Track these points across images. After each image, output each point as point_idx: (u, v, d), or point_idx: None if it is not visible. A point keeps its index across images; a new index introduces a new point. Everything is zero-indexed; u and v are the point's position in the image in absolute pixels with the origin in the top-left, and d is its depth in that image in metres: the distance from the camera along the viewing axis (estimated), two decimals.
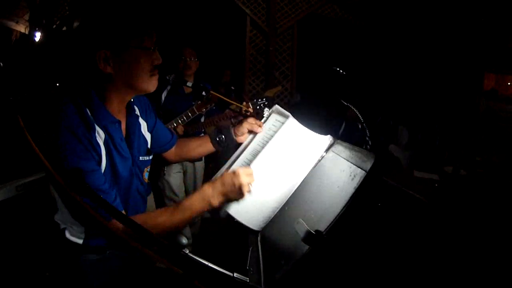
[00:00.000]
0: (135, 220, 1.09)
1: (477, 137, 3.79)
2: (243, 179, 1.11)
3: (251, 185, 1.13)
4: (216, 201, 1.13)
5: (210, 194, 1.13)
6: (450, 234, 2.17)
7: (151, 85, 1.17)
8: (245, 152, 1.32)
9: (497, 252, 1.99)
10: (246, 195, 1.13)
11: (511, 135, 3.90)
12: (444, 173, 2.99)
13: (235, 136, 1.40)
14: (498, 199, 2.43)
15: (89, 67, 1.09)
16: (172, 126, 2.49)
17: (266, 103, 2.24)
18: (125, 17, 1.10)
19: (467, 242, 2.10)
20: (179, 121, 2.51)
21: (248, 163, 1.25)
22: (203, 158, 3.05)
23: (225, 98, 2.17)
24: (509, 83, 5.59)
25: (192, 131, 2.71)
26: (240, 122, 1.43)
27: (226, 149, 1.46)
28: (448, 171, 3.02)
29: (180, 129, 2.53)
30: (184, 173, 3.06)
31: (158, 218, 1.12)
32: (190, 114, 2.51)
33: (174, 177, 2.96)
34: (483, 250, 2.02)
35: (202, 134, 2.92)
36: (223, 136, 1.43)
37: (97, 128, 1.11)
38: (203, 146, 1.51)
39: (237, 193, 1.12)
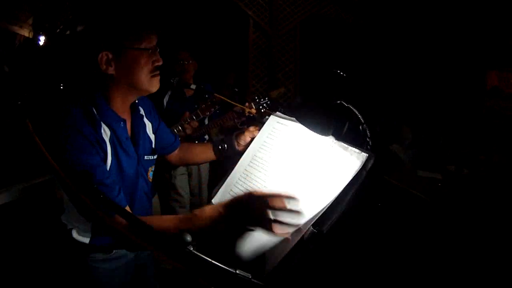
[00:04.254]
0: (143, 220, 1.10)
1: (480, 136, 3.78)
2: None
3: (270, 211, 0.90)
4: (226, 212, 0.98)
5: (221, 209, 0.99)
6: (452, 233, 2.18)
7: (153, 85, 1.19)
8: (242, 159, 1.29)
9: (498, 251, 2.00)
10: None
11: None
12: (447, 172, 3.00)
13: (238, 145, 1.41)
14: (500, 198, 2.43)
15: (92, 68, 1.11)
16: (178, 129, 2.48)
17: (268, 102, 2.26)
18: (124, 19, 1.13)
19: (468, 241, 2.10)
20: (184, 124, 2.50)
21: (247, 169, 1.23)
22: None
23: (228, 100, 2.19)
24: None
25: (196, 134, 2.72)
26: (242, 131, 1.43)
27: (228, 157, 1.46)
28: (451, 170, 3.02)
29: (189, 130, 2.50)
30: (189, 174, 3.08)
31: (166, 222, 1.06)
32: (194, 117, 2.50)
33: (179, 179, 2.98)
34: (484, 249, 2.03)
35: (206, 137, 2.93)
36: (225, 145, 1.44)
37: (103, 125, 1.13)
38: (205, 153, 1.53)
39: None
